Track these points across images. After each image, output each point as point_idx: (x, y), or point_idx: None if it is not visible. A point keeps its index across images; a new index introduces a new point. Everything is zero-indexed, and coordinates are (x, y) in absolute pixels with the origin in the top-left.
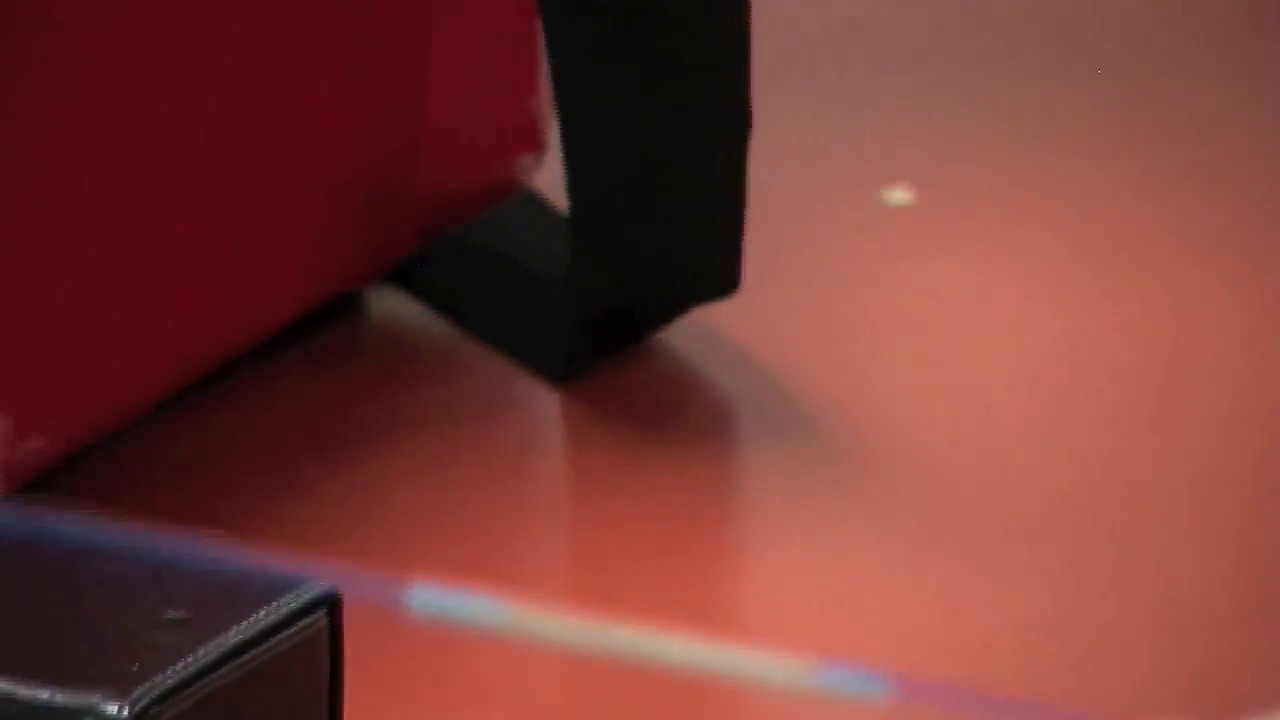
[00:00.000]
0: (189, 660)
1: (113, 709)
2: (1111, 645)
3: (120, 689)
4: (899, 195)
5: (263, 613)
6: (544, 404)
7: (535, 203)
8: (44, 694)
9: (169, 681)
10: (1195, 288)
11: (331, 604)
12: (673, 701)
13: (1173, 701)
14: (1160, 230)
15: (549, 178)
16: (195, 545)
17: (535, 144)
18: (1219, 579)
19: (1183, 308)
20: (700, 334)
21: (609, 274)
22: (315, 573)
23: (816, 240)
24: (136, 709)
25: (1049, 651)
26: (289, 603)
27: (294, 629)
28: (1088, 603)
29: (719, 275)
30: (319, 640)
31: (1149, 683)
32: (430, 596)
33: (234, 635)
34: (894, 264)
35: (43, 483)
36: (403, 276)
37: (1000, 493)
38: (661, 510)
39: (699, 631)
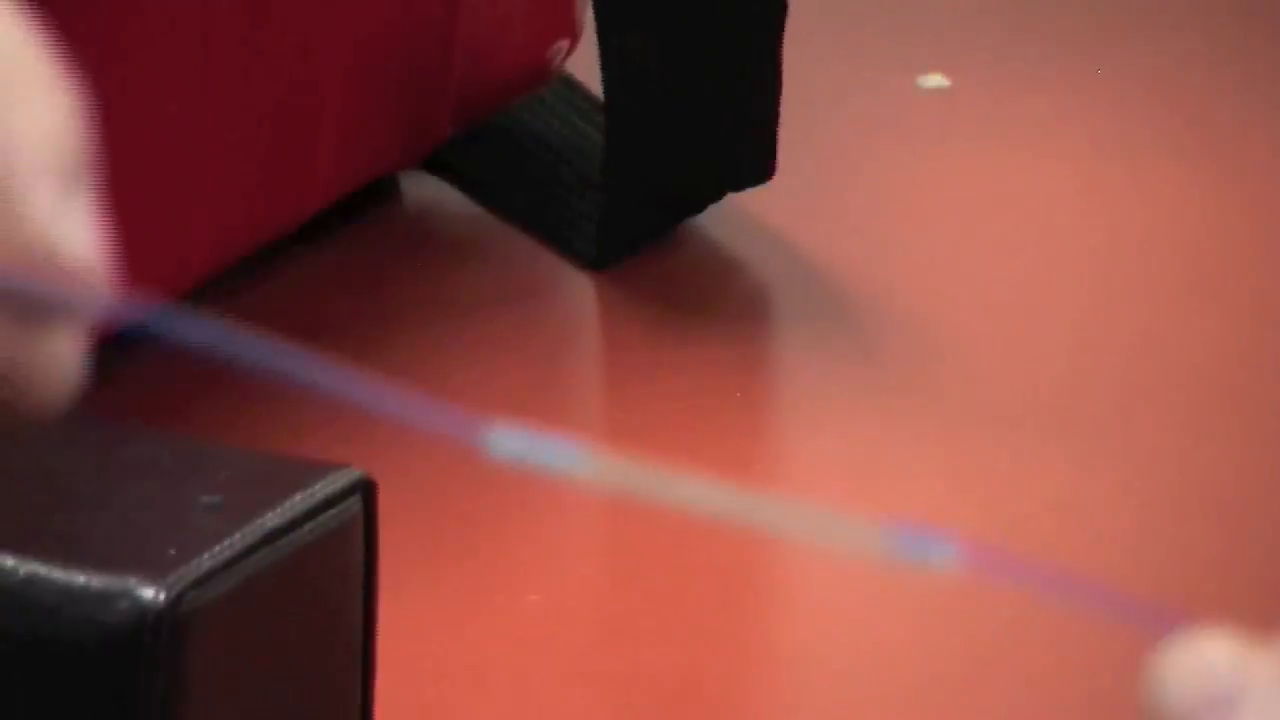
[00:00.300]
0: (225, 545)
1: (149, 593)
2: (1144, 527)
3: (156, 573)
4: (935, 80)
5: (298, 498)
6: (580, 287)
7: (571, 88)
8: (80, 578)
9: (205, 566)
10: (1230, 173)
11: (365, 489)
12: (715, 582)
13: (1208, 579)
14: (1196, 119)
15: (584, 63)
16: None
17: (570, 29)
18: (1255, 464)
19: (1217, 193)
20: (735, 219)
21: (644, 158)
22: (387, 398)
23: (852, 125)
24: (173, 593)
25: (1078, 530)
26: (323, 488)
27: (328, 514)
28: (1121, 484)
29: (753, 161)
30: (353, 525)
31: (1183, 564)
32: (504, 438)
33: (269, 520)
34: (929, 149)
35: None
36: (439, 162)
37: (1033, 375)
38: (696, 390)
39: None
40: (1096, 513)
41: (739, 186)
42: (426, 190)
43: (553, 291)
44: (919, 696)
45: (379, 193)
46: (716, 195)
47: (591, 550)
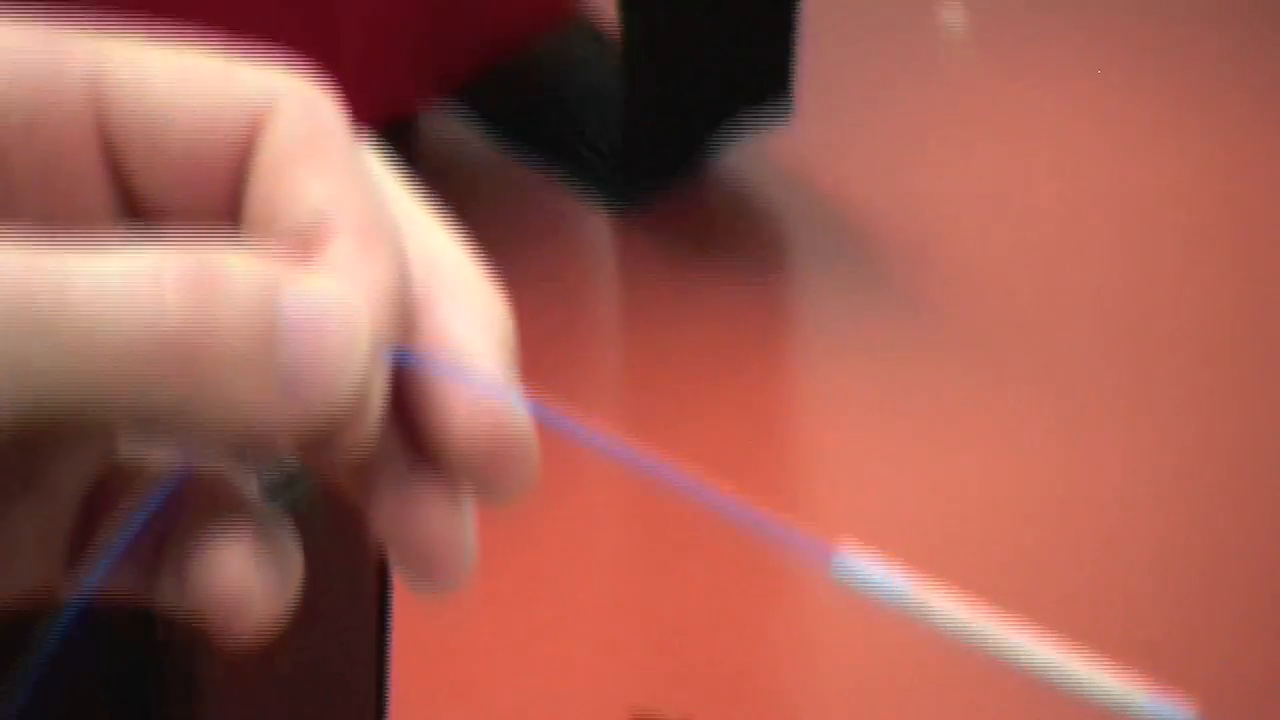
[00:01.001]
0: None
1: None
2: (1169, 470)
3: None
4: (957, 19)
5: None
6: (599, 228)
7: (590, 30)
8: None
9: None
10: (1252, 121)
11: None
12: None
13: (1244, 532)
14: (1216, 65)
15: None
16: None
17: None
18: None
19: (1239, 138)
20: (755, 160)
21: (661, 87)
22: None
23: (873, 67)
24: None
25: (1104, 477)
26: None
27: None
28: (1139, 432)
29: (771, 82)
30: None
31: (1212, 503)
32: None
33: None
34: (950, 91)
35: None
36: (460, 102)
37: (1055, 317)
38: (716, 333)
39: (751, 463)
40: (1114, 453)
41: (758, 106)
42: (446, 131)
43: (572, 232)
44: (942, 676)
45: (397, 134)
46: (734, 120)
47: (617, 518)
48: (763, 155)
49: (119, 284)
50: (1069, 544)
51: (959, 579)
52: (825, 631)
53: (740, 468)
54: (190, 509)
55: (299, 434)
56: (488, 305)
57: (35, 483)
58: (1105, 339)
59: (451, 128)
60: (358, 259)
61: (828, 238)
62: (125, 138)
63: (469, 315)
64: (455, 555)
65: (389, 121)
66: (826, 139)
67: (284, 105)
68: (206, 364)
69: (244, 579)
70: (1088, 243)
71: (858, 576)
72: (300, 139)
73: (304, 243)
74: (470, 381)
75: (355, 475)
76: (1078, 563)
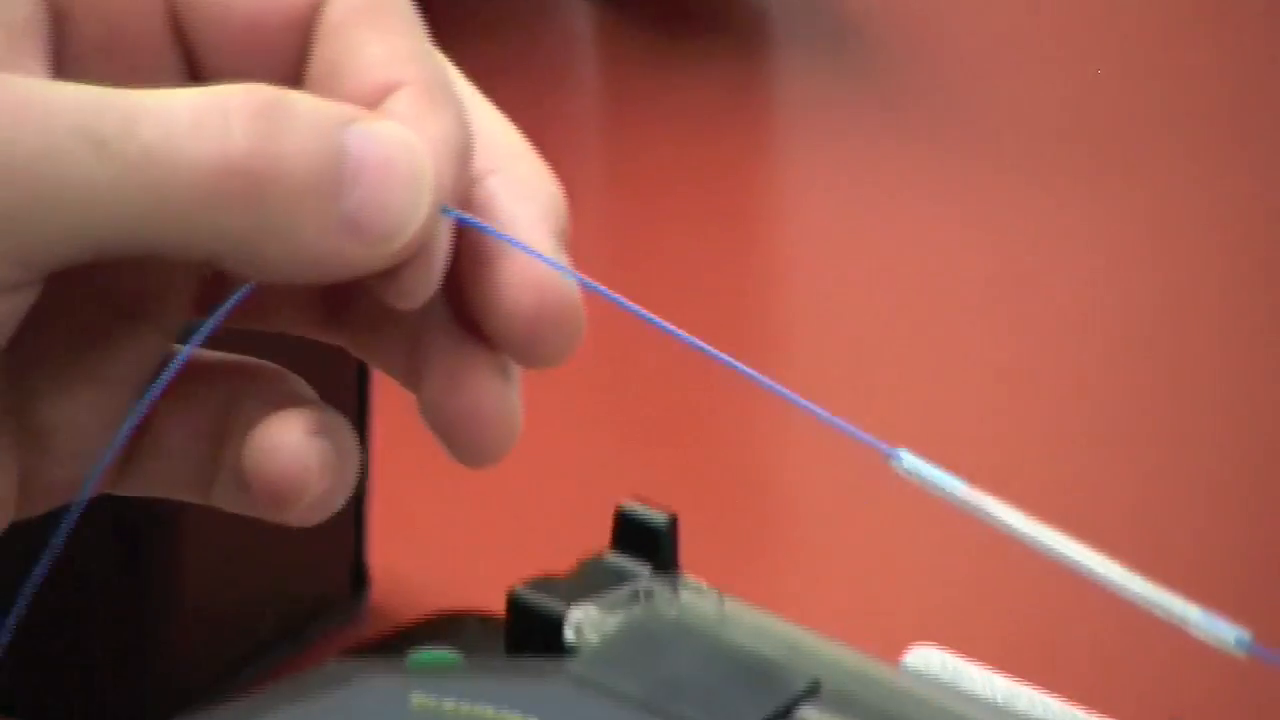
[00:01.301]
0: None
1: None
2: (1138, 255)
3: None
4: None
5: None
6: (577, 12)
7: None
8: None
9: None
10: None
11: None
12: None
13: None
14: None
15: None
16: None
17: None
18: (1262, 184)
19: None
20: None
21: None
22: None
23: None
24: None
25: (1079, 264)
26: None
27: None
28: (1117, 212)
29: None
30: None
31: (1184, 286)
32: None
33: None
34: None
35: None
36: None
37: (1033, 98)
38: (697, 112)
39: (734, 253)
40: (1086, 236)
41: None
42: None
43: (551, 17)
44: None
45: None
46: None
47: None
48: None
49: (187, 115)
50: (1063, 328)
51: (948, 364)
52: (817, 436)
53: (722, 260)
54: (246, 405)
55: (359, 273)
56: (539, 183)
57: (100, 370)
58: (1099, 124)
59: None
60: (422, 110)
61: (810, 19)
62: (191, 5)
63: (520, 191)
64: (503, 425)
65: None
66: None
67: None
68: (271, 195)
69: (301, 457)
70: (1086, 28)
71: (916, 474)
72: (363, 6)
73: (369, 100)
74: (521, 249)
75: (404, 350)
76: (1077, 347)
